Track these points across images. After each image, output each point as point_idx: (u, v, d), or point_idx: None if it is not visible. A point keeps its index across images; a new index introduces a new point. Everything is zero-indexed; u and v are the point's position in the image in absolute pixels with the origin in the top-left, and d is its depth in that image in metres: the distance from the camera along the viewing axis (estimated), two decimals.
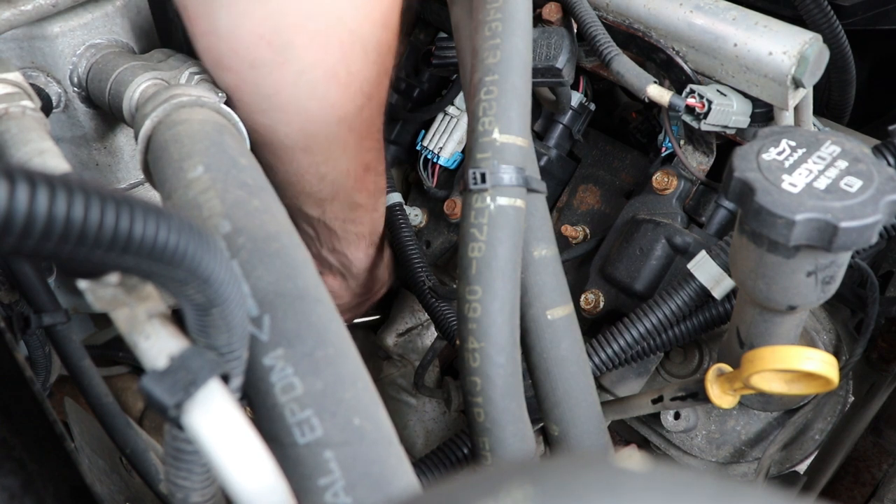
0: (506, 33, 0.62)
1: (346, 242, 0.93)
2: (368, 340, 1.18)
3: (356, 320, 1.17)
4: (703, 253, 0.74)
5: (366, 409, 0.45)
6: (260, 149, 0.77)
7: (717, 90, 0.74)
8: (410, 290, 1.04)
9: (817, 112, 0.80)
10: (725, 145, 0.83)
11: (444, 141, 1.02)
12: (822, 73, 0.70)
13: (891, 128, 0.66)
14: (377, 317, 1.18)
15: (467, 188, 0.60)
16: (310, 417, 0.42)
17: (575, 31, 0.81)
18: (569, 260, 0.92)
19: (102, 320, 1.05)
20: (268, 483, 0.37)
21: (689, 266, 0.74)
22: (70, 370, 0.72)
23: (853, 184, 0.50)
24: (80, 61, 0.72)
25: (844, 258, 0.54)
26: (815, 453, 0.80)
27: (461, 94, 1.00)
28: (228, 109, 0.60)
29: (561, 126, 0.97)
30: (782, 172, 0.51)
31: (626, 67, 0.75)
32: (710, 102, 0.73)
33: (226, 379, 0.38)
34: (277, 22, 0.65)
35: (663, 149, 0.88)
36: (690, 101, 0.73)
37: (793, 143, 0.53)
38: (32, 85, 0.67)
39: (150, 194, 0.75)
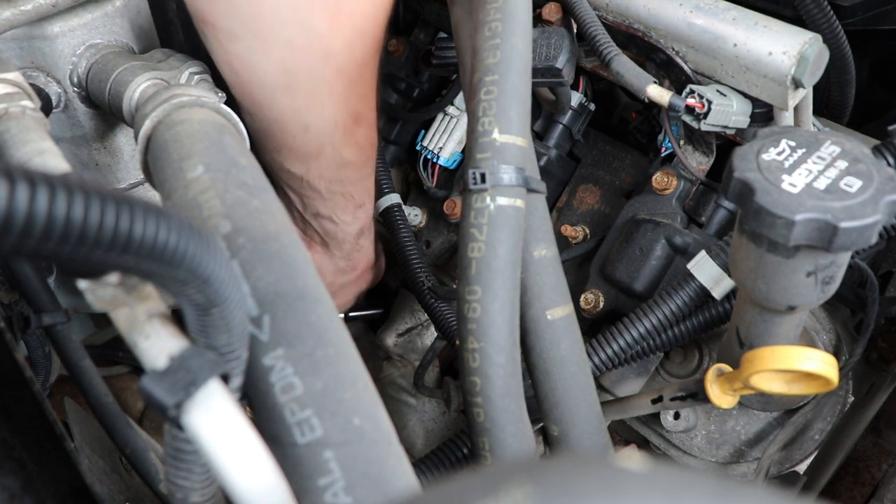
0: (506, 33, 0.62)
1: (332, 204, 0.85)
2: (368, 340, 1.18)
3: (357, 314, 1.17)
4: (702, 253, 0.74)
5: (366, 409, 0.45)
6: (238, 92, 0.69)
7: (717, 90, 0.74)
8: (410, 291, 1.04)
9: (817, 112, 0.80)
10: (725, 145, 0.83)
11: (444, 141, 1.02)
12: (821, 74, 0.70)
13: (891, 128, 0.66)
14: (379, 311, 1.18)
15: (467, 188, 0.60)
16: (310, 417, 0.42)
17: (575, 31, 0.81)
18: (569, 260, 0.92)
19: (102, 320, 1.05)
20: (267, 483, 0.37)
21: (689, 266, 0.74)
22: (70, 370, 0.72)
23: (853, 184, 0.50)
24: (79, 61, 0.72)
25: (844, 258, 0.54)
26: (815, 453, 0.80)
27: (461, 94, 1.00)
28: (228, 109, 0.60)
29: (561, 126, 0.97)
30: (782, 172, 0.51)
31: (625, 67, 0.75)
32: (709, 102, 0.73)
33: (226, 379, 0.38)
34: None
35: (663, 149, 0.88)
36: (690, 101, 0.73)
37: (792, 144, 0.53)
38: (32, 85, 0.67)
39: (150, 194, 0.75)
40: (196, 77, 0.73)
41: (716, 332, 0.80)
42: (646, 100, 0.75)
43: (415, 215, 1.09)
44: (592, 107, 0.98)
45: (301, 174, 0.80)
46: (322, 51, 0.67)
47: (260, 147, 0.60)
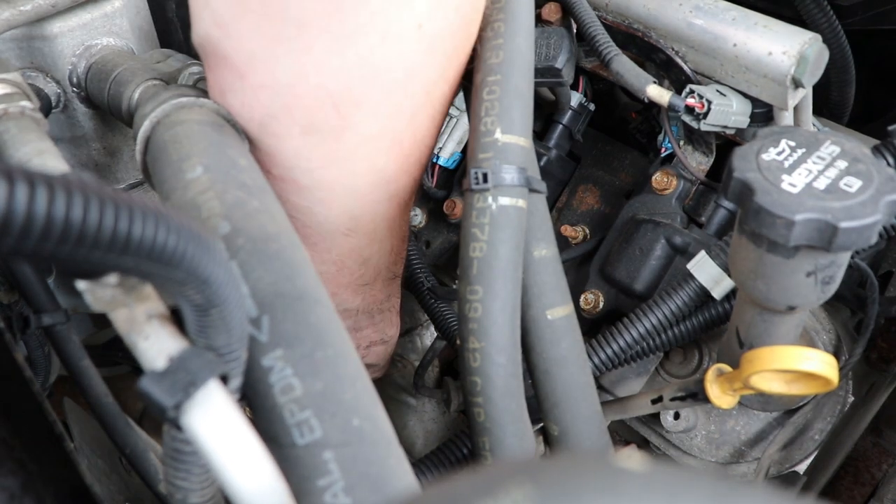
0: (508, 33, 0.62)
1: (381, 325, 0.83)
2: None
3: None
4: (702, 253, 0.74)
5: (365, 410, 0.45)
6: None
7: (717, 90, 0.74)
8: (410, 291, 1.04)
9: (817, 112, 0.80)
10: (725, 145, 0.83)
11: (444, 141, 1.02)
12: (821, 74, 0.70)
13: (890, 128, 0.66)
14: None
15: (469, 188, 0.60)
16: (309, 418, 0.42)
17: (574, 31, 0.81)
18: (569, 260, 0.92)
19: (102, 320, 1.05)
20: (267, 484, 0.37)
21: (689, 266, 0.74)
22: (70, 370, 0.72)
23: (853, 184, 0.50)
24: (79, 61, 0.72)
25: (844, 258, 0.54)
26: (815, 453, 0.80)
27: (461, 94, 1.00)
28: (228, 110, 0.60)
29: (560, 126, 0.97)
30: (782, 172, 0.51)
31: (625, 67, 0.75)
32: (709, 102, 0.72)
33: (225, 380, 0.38)
34: (352, 76, 0.53)
35: (663, 149, 0.88)
36: (690, 101, 0.73)
37: (792, 144, 0.53)
38: (31, 85, 0.67)
39: (150, 195, 0.75)
40: (196, 77, 0.73)
41: (716, 332, 0.80)
42: (645, 100, 0.75)
43: (415, 215, 1.08)
44: (592, 107, 0.98)
45: (356, 307, 0.77)
46: (389, 192, 0.65)
47: None
